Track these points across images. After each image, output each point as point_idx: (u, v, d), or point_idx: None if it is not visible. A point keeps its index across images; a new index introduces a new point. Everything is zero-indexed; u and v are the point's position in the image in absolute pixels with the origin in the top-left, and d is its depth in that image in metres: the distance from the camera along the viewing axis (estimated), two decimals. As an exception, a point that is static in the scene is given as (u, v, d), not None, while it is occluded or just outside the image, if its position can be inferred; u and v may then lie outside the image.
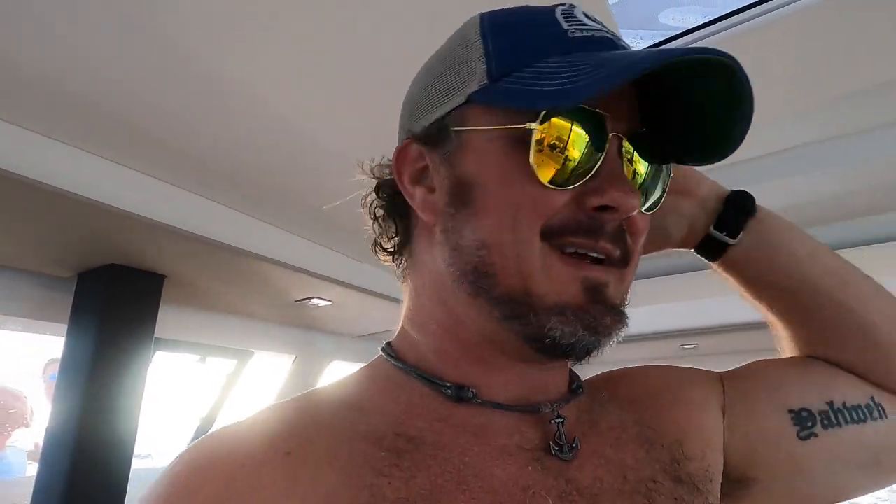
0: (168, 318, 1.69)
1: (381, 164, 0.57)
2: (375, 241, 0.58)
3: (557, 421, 0.49)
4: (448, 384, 0.49)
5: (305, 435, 0.44)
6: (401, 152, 0.53)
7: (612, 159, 0.46)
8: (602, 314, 0.45)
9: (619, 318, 0.46)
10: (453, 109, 0.48)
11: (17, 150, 1.07)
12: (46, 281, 1.55)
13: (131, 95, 1.01)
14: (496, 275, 0.45)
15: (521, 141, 0.45)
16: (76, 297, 1.51)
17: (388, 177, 0.55)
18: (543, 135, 0.44)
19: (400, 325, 0.57)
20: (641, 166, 0.49)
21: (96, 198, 1.20)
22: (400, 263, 0.57)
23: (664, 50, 0.42)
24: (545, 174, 0.44)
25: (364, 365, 0.56)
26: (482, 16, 0.51)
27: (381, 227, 0.57)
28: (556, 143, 0.44)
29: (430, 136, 0.50)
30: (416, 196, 0.52)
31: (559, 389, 0.53)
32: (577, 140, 0.45)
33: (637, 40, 0.99)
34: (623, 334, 0.47)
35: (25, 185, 1.08)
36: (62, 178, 1.14)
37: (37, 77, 0.95)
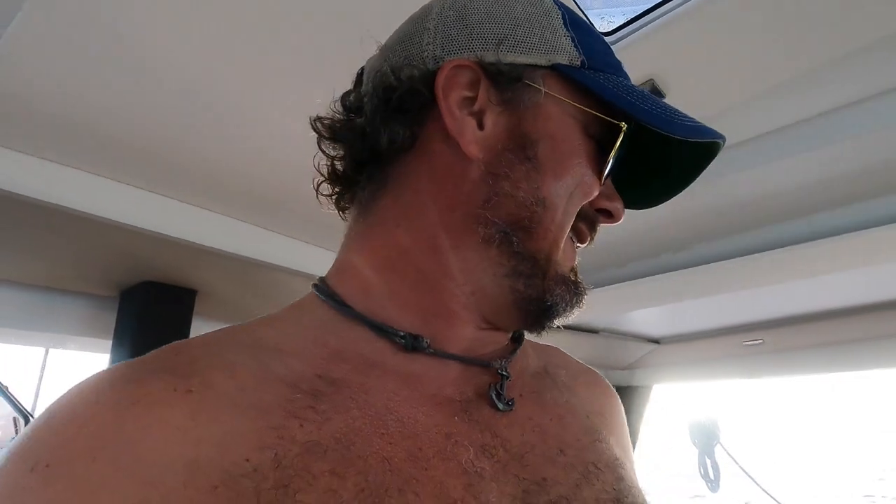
0: (203, 331, 1.77)
1: (410, 65, 0.49)
2: (355, 141, 0.52)
3: (503, 373, 0.49)
4: (402, 333, 0.47)
5: (210, 374, 0.41)
6: (455, 70, 0.48)
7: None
8: (582, 290, 0.52)
9: (585, 293, 0.53)
10: (534, 66, 0.49)
11: (66, 186, 1.19)
12: (94, 300, 1.68)
13: (161, 132, 1.10)
14: (536, 233, 0.48)
15: (594, 130, 0.50)
16: (119, 314, 1.62)
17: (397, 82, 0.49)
18: (623, 138, 0.49)
19: (344, 256, 0.53)
20: None
21: (133, 223, 1.29)
22: (361, 180, 0.53)
23: (707, 128, 0.50)
24: (606, 167, 0.50)
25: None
26: None
27: (380, 126, 0.50)
28: (619, 148, 0.50)
29: (500, 74, 0.48)
30: (465, 125, 0.48)
31: (504, 343, 0.54)
32: (618, 153, 0.51)
33: (608, 20, 0.92)
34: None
35: (74, 217, 1.20)
36: (104, 208, 1.25)
37: (81, 122, 1.05)
